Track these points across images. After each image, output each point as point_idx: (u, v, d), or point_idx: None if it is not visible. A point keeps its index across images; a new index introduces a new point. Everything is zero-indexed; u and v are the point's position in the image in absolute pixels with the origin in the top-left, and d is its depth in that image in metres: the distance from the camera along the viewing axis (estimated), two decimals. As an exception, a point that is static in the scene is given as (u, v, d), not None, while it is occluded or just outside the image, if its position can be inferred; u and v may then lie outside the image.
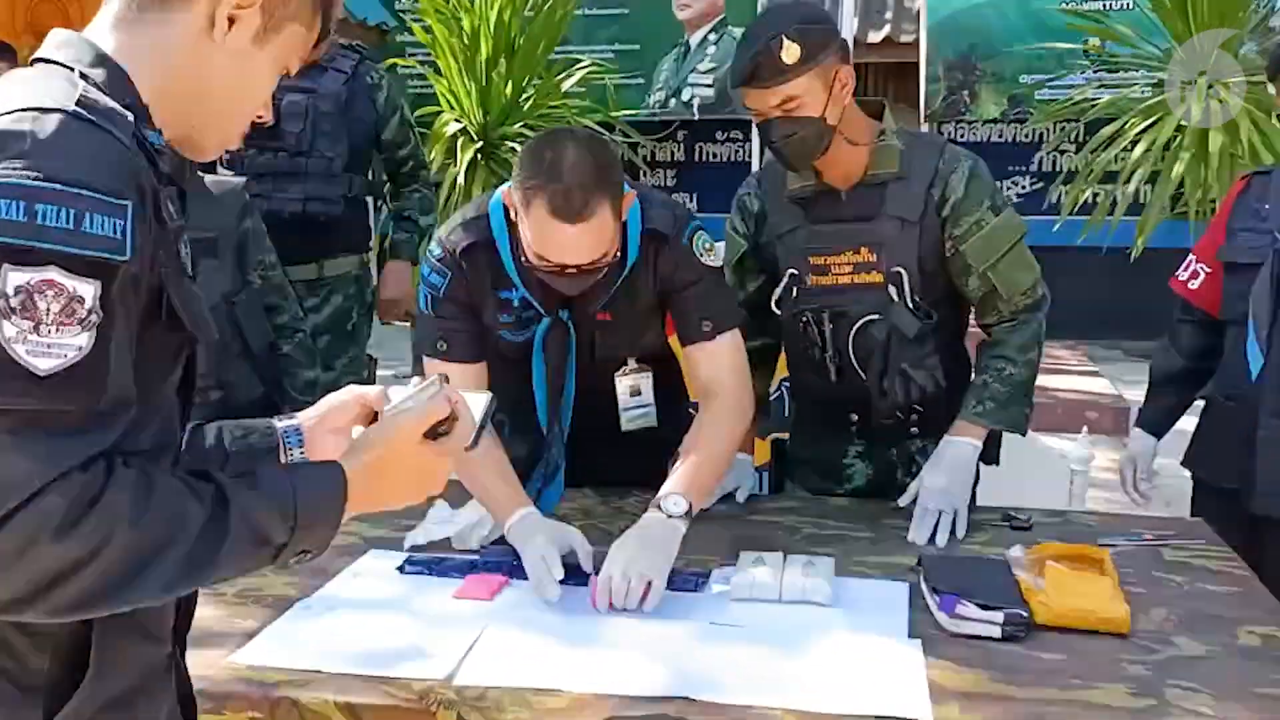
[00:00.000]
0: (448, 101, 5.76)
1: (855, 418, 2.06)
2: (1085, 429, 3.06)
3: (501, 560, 1.78)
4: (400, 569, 1.78)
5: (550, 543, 1.66)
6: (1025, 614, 1.51)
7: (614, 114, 6.48)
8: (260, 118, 1.12)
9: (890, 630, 1.54)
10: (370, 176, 3.25)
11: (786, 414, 2.34)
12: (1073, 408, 5.51)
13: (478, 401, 1.22)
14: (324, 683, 1.42)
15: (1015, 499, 2.11)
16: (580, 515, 2.00)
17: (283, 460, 1.26)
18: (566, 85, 6.04)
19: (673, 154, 8.57)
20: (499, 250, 1.79)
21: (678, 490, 1.69)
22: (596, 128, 6.35)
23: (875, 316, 1.93)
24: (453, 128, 5.66)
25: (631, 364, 1.92)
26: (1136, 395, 6.00)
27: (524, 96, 5.74)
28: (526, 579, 1.67)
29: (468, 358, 1.87)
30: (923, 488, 1.87)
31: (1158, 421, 2.30)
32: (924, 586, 1.62)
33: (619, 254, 1.78)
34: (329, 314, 3.12)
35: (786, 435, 2.29)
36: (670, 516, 1.65)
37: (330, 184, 3.05)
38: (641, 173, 8.24)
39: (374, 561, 1.82)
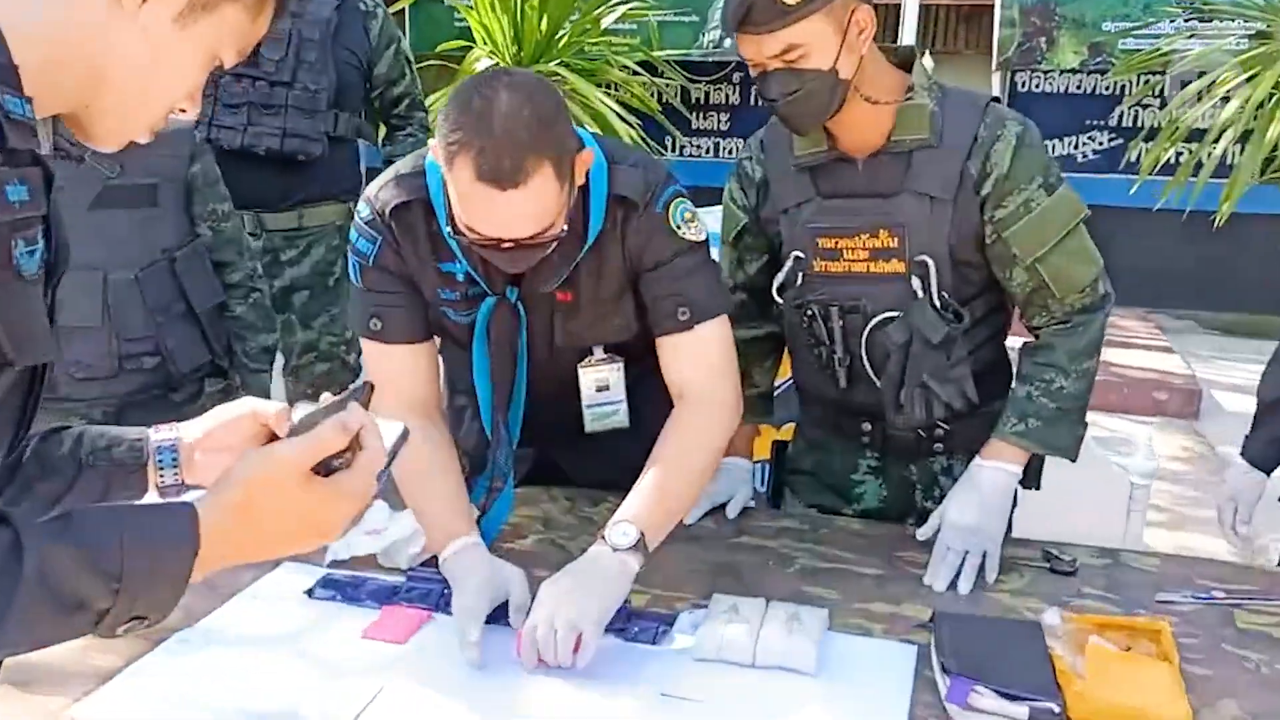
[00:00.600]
0: (480, 36, 5.41)
1: (868, 428, 1.73)
2: (1149, 438, 2.61)
3: (430, 587, 1.49)
4: (309, 593, 1.50)
5: (480, 590, 1.36)
6: (1058, 709, 1.18)
7: (658, 53, 6.08)
8: (182, 110, 0.94)
9: (885, 713, 1.23)
10: (361, 116, 2.94)
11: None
12: (1140, 387, 5.09)
13: (389, 430, 0.95)
14: (166, 756, 1.14)
15: (1060, 517, 1.78)
16: (538, 526, 1.70)
17: (151, 483, 1.08)
18: (607, 21, 5.65)
19: (727, 97, 8.15)
20: (437, 213, 1.47)
21: (627, 517, 1.38)
22: (638, 68, 6.00)
23: (894, 314, 1.59)
24: (483, 64, 5.31)
25: (598, 354, 1.61)
26: (1210, 374, 5.62)
27: (560, 33, 5.36)
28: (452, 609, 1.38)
29: (407, 336, 1.57)
30: (946, 522, 1.54)
31: (1266, 454, 1.89)
32: (934, 658, 1.30)
33: (583, 224, 1.46)
34: (309, 267, 2.83)
35: (790, 437, 1.95)
36: (616, 549, 1.34)
37: (312, 120, 2.74)
38: (693, 117, 7.85)
39: (284, 578, 1.54)
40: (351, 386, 0.98)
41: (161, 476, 1.07)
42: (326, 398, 0.95)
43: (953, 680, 1.21)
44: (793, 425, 1.97)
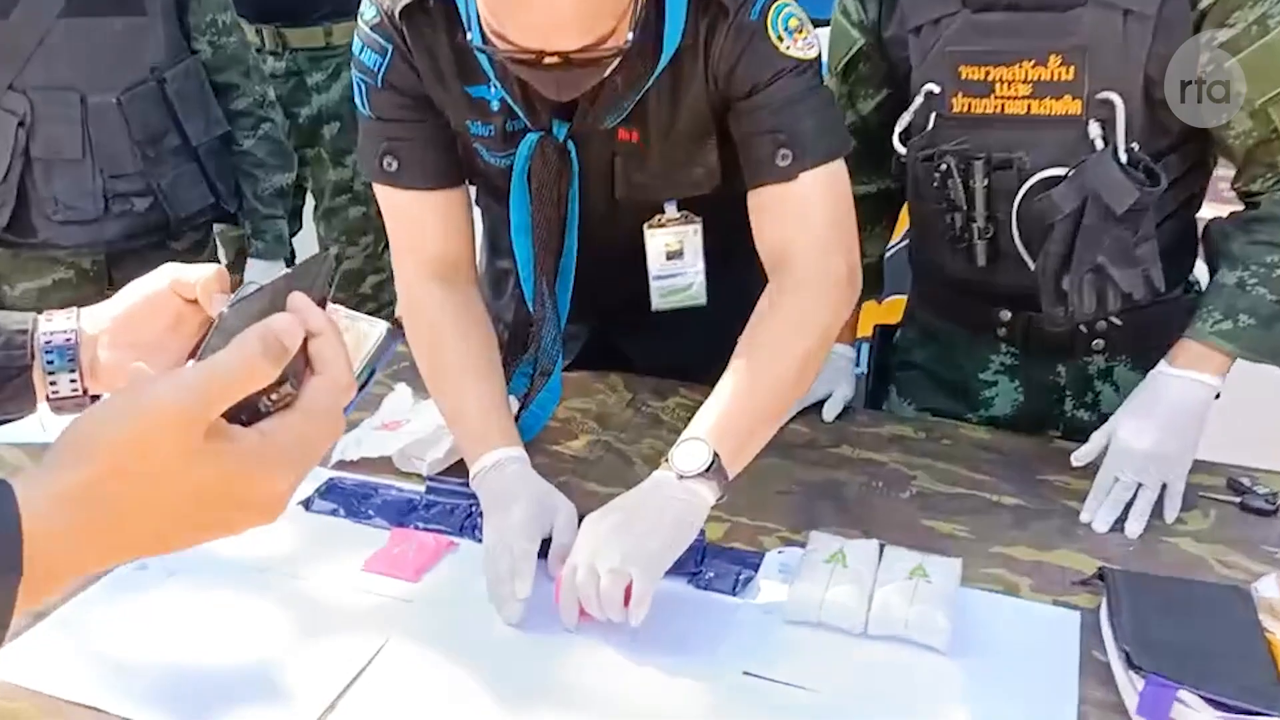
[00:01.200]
0: None
1: (1006, 318, 1.36)
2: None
3: (455, 503, 1.19)
4: (306, 504, 1.20)
5: (526, 526, 1.05)
6: (1293, 729, 0.86)
7: None
8: None
9: (1049, 710, 0.91)
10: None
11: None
12: None
13: (363, 336, 0.63)
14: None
15: (1250, 434, 1.42)
16: (591, 423, 1.38)
17: (40, 394, 0.79)
18: None
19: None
20: (461, 16, 1.10)
21: (700, 434, 1.05)
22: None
23: (1061, 172, 1.20)
24: None
25: (670, 211, 1.25)
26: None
27: None
28: (482, 538, 1.08)
29: (430, 179, 1.22)
30: (1115, 444, 1.19)
31: None
32: (1108, 638, 0.97)
33: (656, 37, 1.09)
34: (339, 94, 2.46)
35: (896, 319, 1.59)
36: (683, 476, 1.02)
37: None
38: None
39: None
40: (302, 262, 0.64)
41: (53, 386, 0.76)
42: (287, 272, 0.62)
43: (1147, 684, 0.89)
44: (899, 301, 1.61)
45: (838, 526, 1.17)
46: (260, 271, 1.90)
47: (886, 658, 0.98)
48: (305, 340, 0.54)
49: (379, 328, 0.63)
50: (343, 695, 0.92)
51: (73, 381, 0.76)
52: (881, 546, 1.08)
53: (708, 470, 1.02)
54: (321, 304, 0.57)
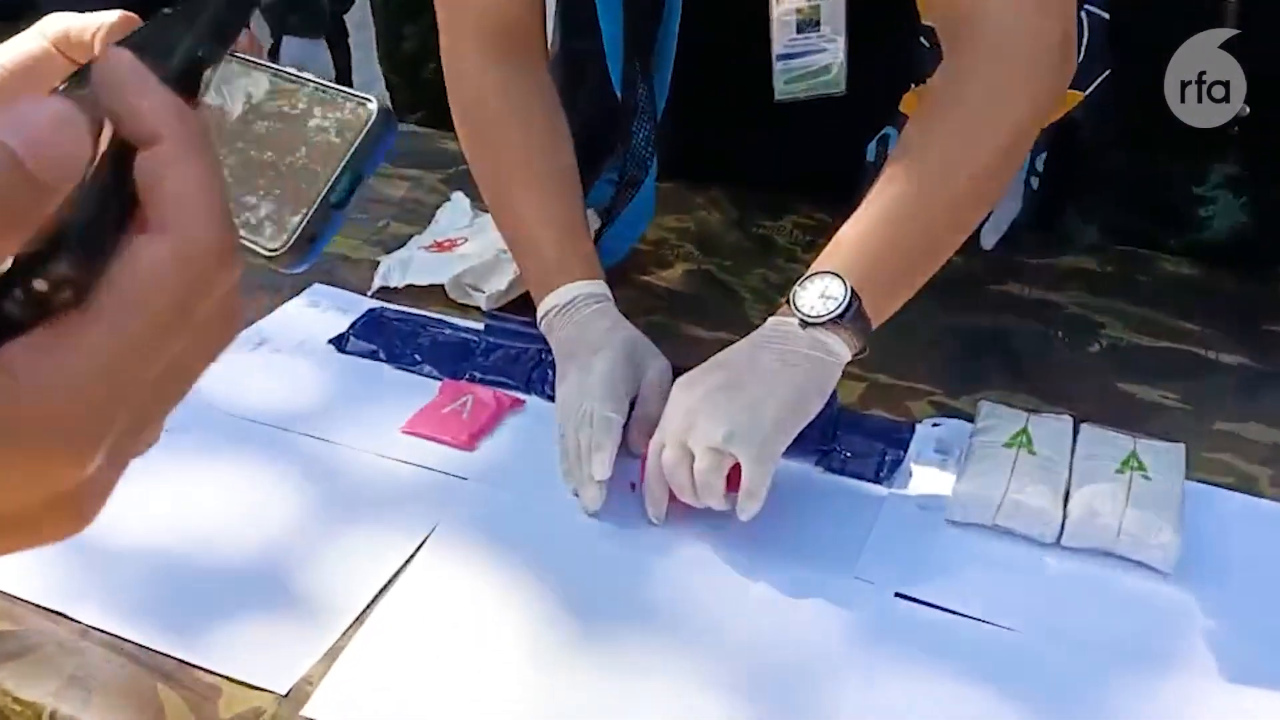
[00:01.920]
0: None
1: (1245, 113, 1.04)
2: None
3: (520, 346, 0.95)
4: (339, 342, 0.97)
5: (608, 388, 0.80)
6: None
7: None
8: None
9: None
10: None
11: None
12: None
13: (349, 119, 0.37)
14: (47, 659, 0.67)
15: None
16: (689, 247, 1.12)
17: None
18: None
19: None
20: None
21: (836, 266, 0.77)
22: None
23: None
24: None
25: (802, -33, 0.94)
26: None
27: None
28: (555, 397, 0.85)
29: None
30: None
31: None
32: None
33: None
34: None
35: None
36: (808, 323, 0.76)
37: None
38: None
39: (301, 313, 1.02)
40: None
41: None
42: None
43: None
44: (1074, 95, 1.28)
45: (1006, 389, 0.91)
46: (296, 52, 1.62)
47: (1087, 580, 0.73)
48: (127, 154, 0.26)
49: (368, 107, 0.37)
50: (375, 603, 0.71)
51: None
52: (1076, 423, 0.82)
53: (844, 315, 0.76)
54: (190, 79, 0.29)
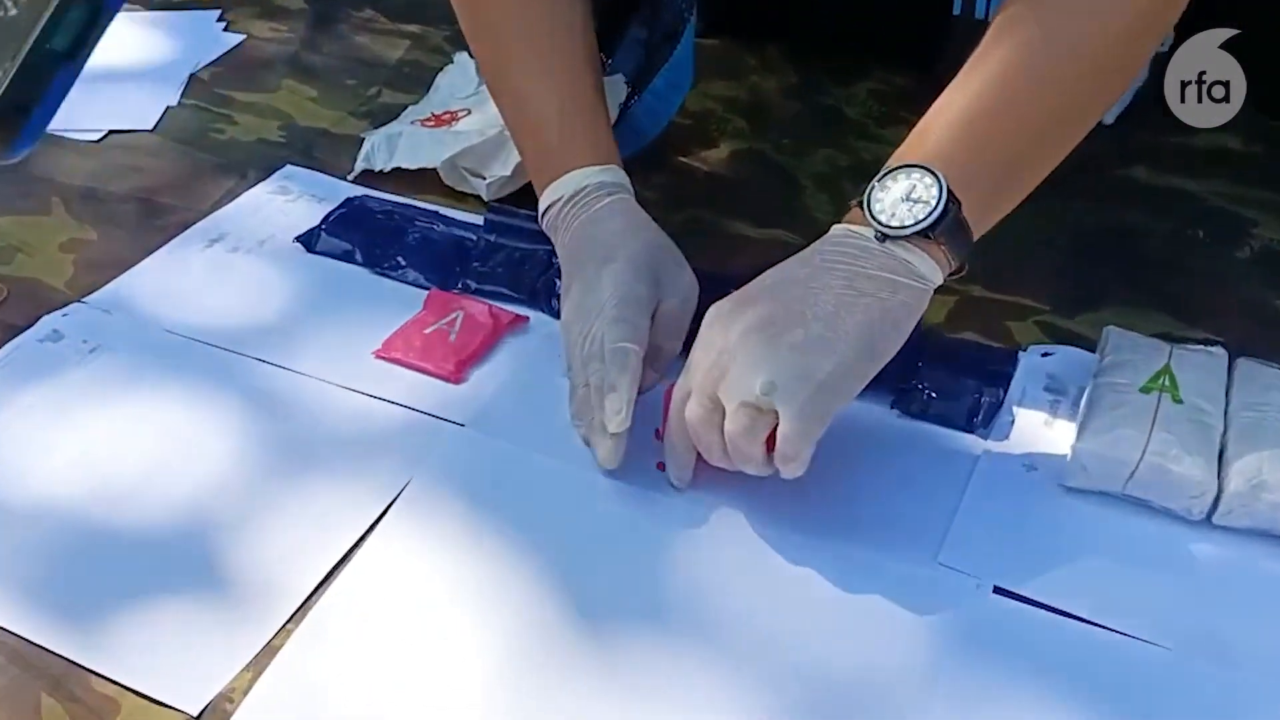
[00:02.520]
0: None
1: None
2: None
3: (527, 247, 0.77)
4: (308, 240, 0.80)
5: (623, 307, 0.62)
6: None
7: None
8: None
9: None
10: None
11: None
12: None
13: None
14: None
15: None
16: (739, 120, 0.92)
17: None
18: None
19: None
20: None
21: (920, 154, 0.58)
22: None
23: None
24: None
25: None
26: None
27: None
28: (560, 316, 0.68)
29: None
30: None
31: None
32: None
33: None
34: None
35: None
36: (888, 235, 0.57)
37: None
38: None
39: (267, 199, 0.85)
40: None
41: None
42: None
43: None
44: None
45: (1132, 306, 0.72)
46: None
47: (1248, 574, 0.56)
48: None
49: None
50: (321, 589, 0.56)
51: None
52: (1231, 358, 0.63)
53: (937, 225, 0.57)
54: None
